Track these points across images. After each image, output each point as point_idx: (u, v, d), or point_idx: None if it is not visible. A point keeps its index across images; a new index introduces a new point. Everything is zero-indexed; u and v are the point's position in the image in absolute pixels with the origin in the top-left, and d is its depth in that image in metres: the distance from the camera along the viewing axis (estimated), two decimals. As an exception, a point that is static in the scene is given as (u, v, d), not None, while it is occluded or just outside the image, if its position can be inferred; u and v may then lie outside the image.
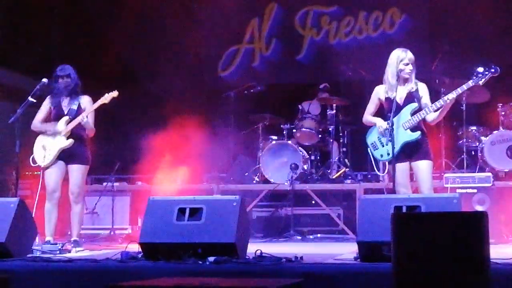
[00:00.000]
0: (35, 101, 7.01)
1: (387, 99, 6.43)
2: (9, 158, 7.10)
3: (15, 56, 9.82)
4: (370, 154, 6.59)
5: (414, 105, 6.37)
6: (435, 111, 6.31)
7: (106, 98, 7.02)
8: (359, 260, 5.28)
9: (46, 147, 6.99)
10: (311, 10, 11.01)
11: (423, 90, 6.46)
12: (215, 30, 10.15)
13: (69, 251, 6.48)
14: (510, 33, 9.49)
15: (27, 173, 8.40)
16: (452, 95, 6.16)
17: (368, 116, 6.62)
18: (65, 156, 6.99)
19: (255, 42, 11.25)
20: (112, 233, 8.57)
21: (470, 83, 6.19)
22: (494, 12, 9.51)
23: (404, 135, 6.33)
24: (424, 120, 6.38)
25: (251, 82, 9.75)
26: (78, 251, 6.63)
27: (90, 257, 5.95)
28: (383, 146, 6.41)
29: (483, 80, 6.18)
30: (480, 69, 6.20)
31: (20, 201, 6.03)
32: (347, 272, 4.94)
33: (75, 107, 7.04)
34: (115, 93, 7.05)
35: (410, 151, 6.34)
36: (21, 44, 9.97)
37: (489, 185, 7.73)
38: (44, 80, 7.05)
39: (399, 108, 6.37)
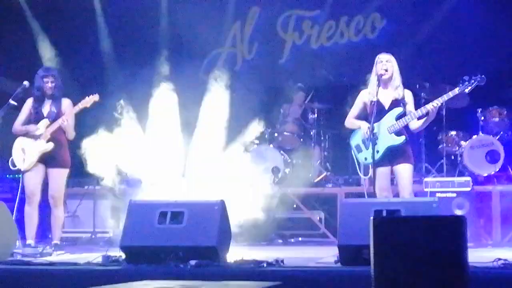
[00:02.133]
0: (16, 104, 6.99)
1: (371, 102, 6.47)
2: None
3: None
4: (354, 156, 6.63)
5: (400, 110, 6.42)
6: (419, 118, 6.36)
7: (87, 101, 7.00)
8: (339, 263, 5.31)
9: (26, 150, 6.94)
10: (293, 14, 11.04)
11: (408, 97, 6.51)
12: (198, 34, 10.14)
13: (50, 255, 6.46)
14: (491, 38, 9.57)
15: (8, 175, 8.36)
16: (437, 102, 6.21)
17: (352, 119, 6.65)
18: (45, 159, 6.95)
19: (237, 46, 11.27)
20: (93, 236, 8.54)
21: (456, 90, 6.25)
22: (475, 17, 9.59)
23: (388, 139, 6.38)
24: (407, 126, 6.43)
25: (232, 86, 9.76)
26: (59, 254, 6.61)
27: (71, 260, 5.93)
28: (367, 149, 6.45)
29: (469, 88, 6.24)
30: (466, 77, 6.26)
31: (1, 204, 6.00)
32: (328, 276, 4.96)
33: (55, 110, 7.01)
34: (96, 97, 7.04)
35: (392, 156, 6.39)
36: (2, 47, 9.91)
37: (468, 189, 7.80)
38: (25, 83, 7.04)
39: (384, 112, 6.41)
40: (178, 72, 9.29)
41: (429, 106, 6.25)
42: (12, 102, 6.95)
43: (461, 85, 6.27)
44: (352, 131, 6.70)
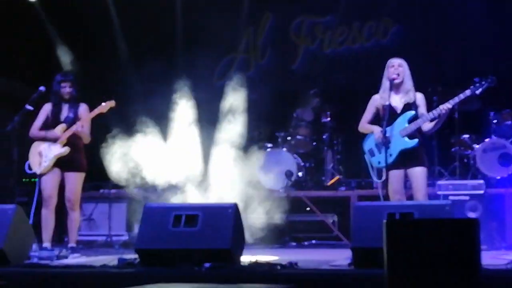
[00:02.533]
0: (32, 108, 7.06)
1: (383, 106, 6.49)
2: (7, 166, 7.13)
3: (12, 63, 9.83)
4: (367, 161, 6.64)
5: (412, 113, 6.43)
6: (432, 120, 6.37)
7: (103, 107, 7.07)
8: (353, 266, 5.33)
9: (42, 154, 7.02)
10: (305, 19, 11.07)
11: (420, 99, 6.52)
12: (211, 39, 10.18)
13: (66, 258, 6.52)
14: (503, 41, 9.56)
15: (24, 180, 8.43)
16: (448, 105, 6.22)
17: (365, 124, 6.68)
18: (61, 163, 7.02)
19: (250, 51, 11.31)
20: (108, 239, 8.60)
21: (468, 92, 6.25)
22: (488, 20, 9.59)
23: (401, 142, 6.39)
24: (419, 128, 6.45)
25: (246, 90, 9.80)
26: (75, 257, 6.66)
27: (87, 263, 5.97)
28: (380, 153, 6.46)
29: (480, 90, 6.24)
30: (477, 79, 6.27)
31: (17, 208, 6.05)
32: (341, 278, 4.98)
33: (72, 115, 7.09)
34: (112, 103, 7.09)
35: (406, 158, 6.39)
36: (18, 52, 9.99)
37: (481, 192, 7.78)
38: (42, 88, 7.11)
39: (396, 116, 6.43)
40: (192, 77, 9.35)
41: (441, 108, 6.26)
42: (28, 107, 7.03)
43: (472, 87, 6.28)
44: (365, 135, 6.73)
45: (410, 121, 6.42)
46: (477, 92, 6.25)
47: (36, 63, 9.81)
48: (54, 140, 6.99)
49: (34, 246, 6.48)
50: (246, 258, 5.59)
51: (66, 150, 6.98)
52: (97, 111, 7.05)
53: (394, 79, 6.42)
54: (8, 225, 5.90)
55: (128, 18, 10.53)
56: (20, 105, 7.12)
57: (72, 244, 7.01)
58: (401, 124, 6.43)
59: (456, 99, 6.26)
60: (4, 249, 5.75)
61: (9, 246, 5.81)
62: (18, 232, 5.98)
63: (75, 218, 7.06)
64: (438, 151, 8.92)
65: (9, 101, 8.96)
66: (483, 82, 6.24)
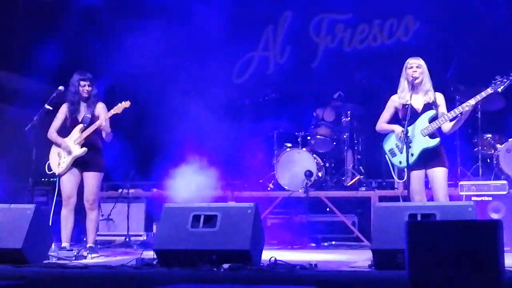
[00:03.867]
0: (51, 108, 7.08)
1: (403, 106, 6.44)
2: (26, 165, 7.15)
3: (30, 63, 9.87)
4: (388, 160, 6.59)
5: (432, 112, 6.38)
6: (452, 119, 6.30)
7: (119, 108, 7.06)
8: (373, 268, 5.27)
9: (61, 155, 7.07)
10: (325, 18, 11.02)
11: (440, 99, 6.47)
12: (230, 38, 10.15)
13: (85, 258, 6.53)
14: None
15: (43, 179, 8.46)
16: (471, 102, 6.15)
17: (383, 124, 6.63)
18: (80, 163, 7.04)
19: (270, 50, 11.27)
20: (127, 239, 8.61)
21: (489, 90, 6.18)
22: (509, 17, 9.48)
23: (423, 142, 6.34)
24: (440, 129, 6.39)
25: (266, 90, 9.78)
26: (94, 257, 6.67)
27: (105, 263, 5.98)
28: (401, 152, 6.41)
29: (501, 87, 6.17)
30: (499, 77, 6.19)
31: (36, 208, 6.07)
32: (362, 280, 4.93)
33: (89, 114, 7.10)
34: (127, 104, 7.09)
35: (427, 158, 6.34)
36: (37, 51, 10.02)
37: (505, 193, 7.70)
38: (61, 87, 7.13)
39: (416, 115, 6.38)
40: (210, 76, 9.33)
41: (462, 106, 6.19)
42: (47, 107, 7.05)
43: (493, 85, 6.20)
44: (384, 135, 6.66)
45: (431, 120, 6.36)
46: (499, 90, 6.19)
47: (54, 62, 9.81)
48: (69, 152, 7.00)
49: (53, 246, 6.50)
50: (265, 259, 5.55)
51: (84, 150, 7.00)
52: (112, 111, 7.05)
53: (413, 80, 6.36)
54: (27, 225, 5.91)
55: (144, 15, 10.47)
56: (39, 104, 7.14)
57: (90, 244, 7.01)
58: (423, 123, 6.38)
59: (478, 97, 6.19)
60: (23, 249, 5.77)
61: (28, 246, 5.83)
62: (37, 232, 5.99)
63: (93, 218, 7.07)
64: (460, 151, 8.83)
65: (27, 101, 8.99)
66: (504, 80, 6.17)
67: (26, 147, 7.05)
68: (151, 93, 9.36)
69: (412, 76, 6.37)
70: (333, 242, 8.76)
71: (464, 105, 6.20)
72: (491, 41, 9.66)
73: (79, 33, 10.63)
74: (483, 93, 6.20)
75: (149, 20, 10.05)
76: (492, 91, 6.18)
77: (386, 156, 6.62)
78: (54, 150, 7.16)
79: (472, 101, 6.17)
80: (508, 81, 6.17)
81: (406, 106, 6.36)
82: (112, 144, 7.32)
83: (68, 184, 7.02)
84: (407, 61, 6.47)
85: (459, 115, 6.26)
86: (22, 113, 8.79)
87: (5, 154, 8.85)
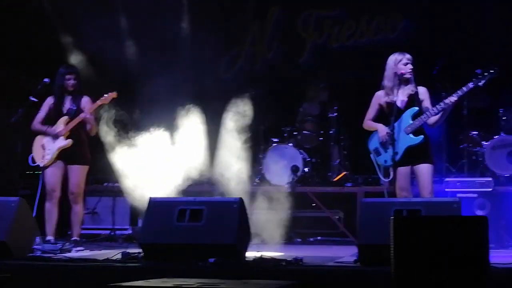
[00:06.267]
0: (36, 100, 7.03)
1: (388, 103, 6.44)
2: (11, 158, 7.11)
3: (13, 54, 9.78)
4: (374, 160, 6.59)
5: (415, 109, 6.39)
6: (436, 114, 6.31)
7: (106, 98, 7.03)
8: (359, 263, 5.28)
9: (46, 147, 7.01)
10: (313, 13, 11.01)
11: (423, 94, 6.47)
12: (217, 33, 10.12)
13: (70, 251, 6.50)
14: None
15: (27, 172, 8.40)
16: (453, 98, 6.17)
17: (368, 122, 6.63)
18: (65, 156, 7.00)
19: (256, 45, 11.25)
20: (112, 233, 8.58)
21: (470, 84, 6.19)
22: (498, 14, 9.51)
23: (406, 140, 6.34)
24: (425, 124, 6.39)
25: (252, 85, 9.75)
26: (79, 251, 6.64)
27: (90, 257, 5.96)
28: (386, 151, 6.42)
29: (483, 81, 6.18)
30: (480, 71, 6.21)
31: (21, 201, 6.05)
32: (347, 275, 4.96)
33: (74, 107, 7.06)
34: (114, 94, 7.06)
35: (412, 155, 6.35)
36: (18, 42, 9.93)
37: (490, 190, 7.74)
38: (46, 79, 7.08)
39: (400, 112, 6.38)
40: (198, 71, 9.29)
41: (445, 102, 6.20)
42: (32, 98, 7.00)
43: (474, 79, 6.21)
44: (370, 132, 6.67)
45: (414, 117, 6.36)
46: (480, 84, 6.20)
47: (39, 54, 9.73)
48: (55, 136, 6.94)
49: (38, 239, 6.47)
50: (251, 254, 5.55)
51: (69, 142, 6.96)
52: (99, 102, 7.02)
53: (403, 74, 6.36)
54: (11, 217, 5.90)
55: (133, 12, 10.42)
56: (24, 97, 7.08)
57: (75, 237, 6.99)
58: (406, 121, 6.39)
59: (459, 92, 6.20)
60: (7, 242, 5.76)
61: (12, 238, 5.81)
62: (21, 225, 5.97)
63: (78, 211, 7.04)
64: (446, 147, 8.85)
65: (13, 93, 8.91)
66: (485, 74, 6.18)
67: (11, 140, 7.01)
68: (136, 85, 9.32)
69: (405, 72, 6.36)
70: (319, 238, 8.78)
71: (446, 100, 6.22)
72: (477, 38, 9.69)
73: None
74: (464, 88, 6.22)
75: (136, 15, 10.03)
76: (473, 86, 6.20)
77: (371, 155, 6.62)
78: (37, 142, 7.09)
79: (454, 97, 6.18)
80: (489, 74, 6.18)
81: (391, 104, 6.37)
82: (97, 136, 7.26)
83: (52, 177, 6.98)
84: (401, 56, 6.41)
85: (442, 110, 6.26)
86: (6, 105, 8.70)
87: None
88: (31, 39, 9.92)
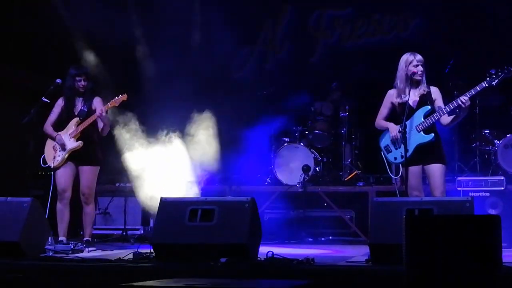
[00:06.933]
0: (48, 101, 7.04)
1: (400, 103, 6.41)
2: (23, 158, 7.13)
3: (26, 54, 9.81)
4: (384, 157, 6.56)
5: (427, 108, 6.35)
6: (449, 113, 6.27)
7: (116, 101, 7.02)
8: (370, 262, 5.27)
9: (56, 148, 7.01)
10: (324, 12, 10.99)
11: (435, 93, 6.44)
12: (228, 32, 10.11)
13: (82, 251, 6.51)
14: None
15: (40, 173, 8.43)
16: (465, 97, 6.13)
17: (380, 121, 6.60)
18: (76, 157, 6.99)
19: (268, 44, 11.24)
20: (124, 233, 8.60)
21: (483, 84, 6.15)
22: (510, 11, 9.45)
23: (417, 137, 6.31)
24: (438, 123, 6.36)
25: (264, 83, 9.75)
26: (91, 251, 6.65)
27: (102, 257, 5.97)
28: (396, 149, 6.39)
29: (496, 81, 6.13)
30: (494, 71, 6.16)
31: (33, 201, 6.06)
32: (359, 275, 4.94)
33: (85, 108, 7.05)
34: (124, 97, 7.05)
35: (423, 154, 6.31)
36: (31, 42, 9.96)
37: (502, 188, 7.69)
38: (58, 80, 7.09)
39: (412, 111, 6.35)
40: (208, 69, 9.29)
41: (458, 101, 6.16)
42: (44, 99, 7.00)
43: (488, 78, 6.17)
44: (381, 132, 6.64)
45: (426, 116, 6.33)
46: (493, 83, 6.14)
47: (52, 55, 9.76)
48: (62, 146, 6.94)
49: (50, 240, 6.48)
50: (262, 253, 5.54)
51: (79, 144, 6.95)
52: (110, 105, 7.01)
53: (414, 75, 6.32)
54: (24, 218, 5.92)
55: (143, 12, 10.43)
56: (37, 97, 7.09)
57: (87, 237, 7.00)
58: (418, 119, 6.35)
59: (472, 92, 6.15)
60: (20, 242, 5.77)
61: (25, 239, 5.83)
62: (34, 225, 5.99)
63: (89, 212, 7.04)
64: (458, 146, 8.81)
65: (25, 94, 8.95)
66: (499, 73, 6.13)
67: (23, 140, 7.03)
68: (149, 85, 9.34)
69: (416, 74, 6.33)
70: (330, 237, 8.75)
71: (459, 100, 6.16)
72: (490, 36, 9.64)
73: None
74: (477, 87, 6.17)
75: (149, 13, 10.04)
76: (486, 85, 6.15)
77: (382, 152, 6.59)
78: (49, 143, 7.10)
79: (467, 96, 6.13)
80: (503, 74, 6.13)
81: (401, 104, 6.34)
82: (109, 137, 7.27)
83: (62, 178, 6.97)
84: (412, 57, 6.37)
85: (455, 109, 6.22)
86: (18, 106, 8.74)
87: (1, 147, 8.81)
88: (44, 39, 9.96)
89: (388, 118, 6.58)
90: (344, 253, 6.60)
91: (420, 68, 6.33)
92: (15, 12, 9.69)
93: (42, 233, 6.18)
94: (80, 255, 6.15)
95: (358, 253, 6.23)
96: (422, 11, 10.35)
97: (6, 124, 8.56)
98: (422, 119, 6.33)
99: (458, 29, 9.95)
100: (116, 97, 7.04)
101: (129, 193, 8.72)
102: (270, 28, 11.22)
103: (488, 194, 7.66)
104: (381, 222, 5.34)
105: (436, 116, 6.28)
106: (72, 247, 6.44)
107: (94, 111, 7.01)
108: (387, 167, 6.59)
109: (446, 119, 6.33)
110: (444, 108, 6.28)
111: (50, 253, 6.11)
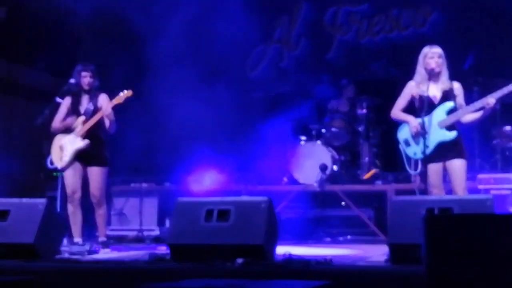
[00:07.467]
0: (62, 101, 7.01)
1: (420, 96, 6.31)
2: (37, 159, 7.11)
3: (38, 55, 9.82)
4: (402, 151, 6.47)
5: (450, 104, 6.25)
6: (475, 111, 6.18)
7: (121, 97, 6.95)
8: (390, 262, 5.20)
9: (63, 148, 6.92)
10: (341, 8, 10.91)
11: (458, 89, 6.35)
12: (243, 29, 10.05)
13: (97, 253, 6.48)
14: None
15: (55, 174, 8.42)
16: (492, 99, 6.02)
17: (398, 112, 6.49)
18: (83, 157, 6.89)
19: (283, 41, 11.18)
20: (140, 234, 8.58)
21: (511, 86, 6.03)
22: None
23: (439, 134, 6.21)
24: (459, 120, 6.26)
25: (279, 82, 9.70)
26: (106, 252, 6.63)
27: (118, 258, 5.96)
28: (416, 144, 6.30)
29: None
30: None
31: (48, 202, 6.04)
32: (378, 275, 4.89)
33: (92, 106, 6.97)
34: (129, 93, 6.98)
35: (444, 151, 6.22)
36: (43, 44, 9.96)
37: (524, 186, 7.60)
38: (72, 80, 7.03)
39: (433, 106, 6.26)
40: (222, 67, 9.23)
41: (484, 102, 6.05)
42: (58, 99, 6.97)
43: None
44: (400, 124, 6.54)
45: (449, 112, 6.23)
46: None
47: (63, 54, 9.75)
48: (74, 134, 6.86)
49: (65, 241, 6.45)
50: (279, 254, 5.48)
51: (86, 143, 6.85)
52: (115, 101, 6.93)
53: (433, 69, 6.23)
54: (39, 219, 5.89)
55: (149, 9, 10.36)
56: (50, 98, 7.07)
57: (102, 238, 6.95)
58: (440, 115, 6.25)
59: (499, 93, 6.05)
60: (35, 244, 5.74)
61: (40, 240, 5.82)
62: (49, 227, 5.97)
63: (102, 213, 6.97)
64: (478, 143, 8.70)
65: (39, 95, 8.95)
66: None
67: (37, 141, 7.00)
68: (163, 84, 9.29)
69: (432, 66, 6.24)
70: (349, 237, 8.68)
71: (486, 101, 6.05)
72: (510, 31, 9.51)
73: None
74: (504, 89, 6.07)
75: (163, 11, 9.99)
76: None
77: (400, 146, 6.50)
78: (56, 143, 7.00)
79: (494, 97, 6.03)
80: None
81: (422, 98, 6.24)
82: (123, 137, 7.23)
83: (71, 179, 6.89)
84: (427, 50, 6.30)
85: (479, 109, 6.13)
86: (32, 106, 8.74)
87: (16, 148, 8.82)
88: (57, 40, 9.98)
89: (406, 110, 6.48)
90: (363, 253, 6.53)
91: (436, 59, 6.23)
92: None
93: (57, 234, 6.16)
94: (95, 256, 6.13)
95: (377, 253, 6.16)
96: (440, 5, 10.25)
97: (20, 124, 8.58)
98: (445, 116, 6.23)
99: (477, 23, 9.83)
100: (121, 93, 6.96)
101: (145, 194, 8.71)
102: (285, 24, 11.16)
103: (509, 191, 7.56)
104: (400, 221, 5.28)
105: (461, 113, 6.18)
106: (87, 248, 6.41)
107: (100, 108, 6.93)
108: (405, 161, 6.50)
109: (468, 117, 6.23)
110: (468, 107, 6.18)
111: (66, 255, 6.09)
